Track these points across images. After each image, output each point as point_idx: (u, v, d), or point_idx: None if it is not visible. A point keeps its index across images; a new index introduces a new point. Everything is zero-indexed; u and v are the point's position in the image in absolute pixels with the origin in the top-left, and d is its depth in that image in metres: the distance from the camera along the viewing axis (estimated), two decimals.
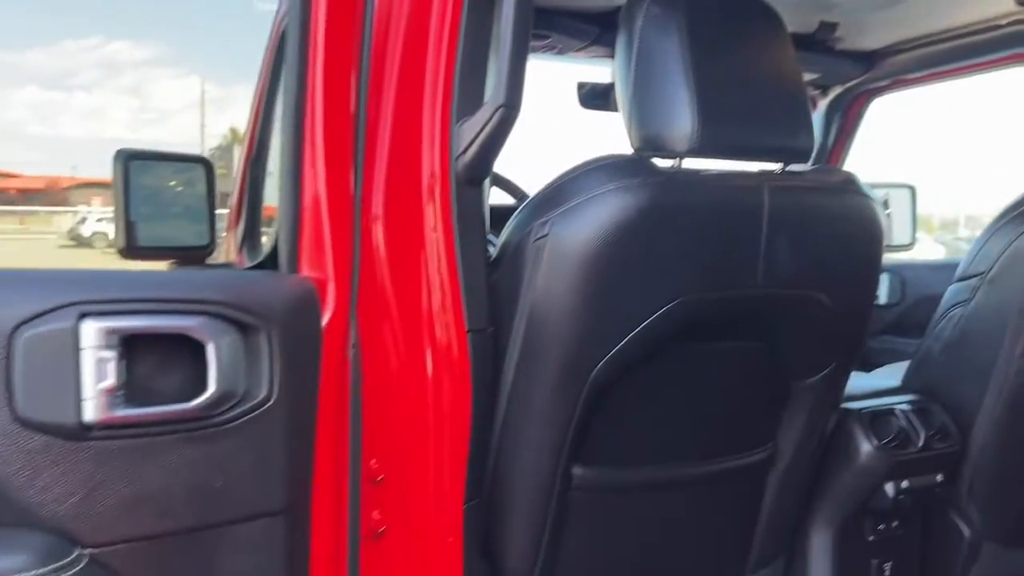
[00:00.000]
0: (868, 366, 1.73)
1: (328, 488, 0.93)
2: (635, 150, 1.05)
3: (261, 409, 0.84)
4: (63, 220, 24.30)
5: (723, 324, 1.10)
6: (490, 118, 0.96)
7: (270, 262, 0.98)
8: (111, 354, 0.76)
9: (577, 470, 1.10)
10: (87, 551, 0.75)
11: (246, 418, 0.83)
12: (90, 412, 0.75)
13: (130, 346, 0.78)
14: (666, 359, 1.07)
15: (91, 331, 0.76)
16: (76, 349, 0.75)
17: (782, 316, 1.13)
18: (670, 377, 1.11)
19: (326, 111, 0.95)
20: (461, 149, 1.00)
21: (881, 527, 1.42)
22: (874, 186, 1.21)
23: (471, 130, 0.99)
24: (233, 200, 1.68)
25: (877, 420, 1.36)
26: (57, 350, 0.74)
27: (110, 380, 0.76)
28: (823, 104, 2.06)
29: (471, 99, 1.01)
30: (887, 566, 1.43)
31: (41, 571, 0.72)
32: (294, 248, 0.94)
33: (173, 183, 1.49)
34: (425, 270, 1.00)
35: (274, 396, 0.84)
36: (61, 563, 0.73)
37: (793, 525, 1.36)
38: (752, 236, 1.04)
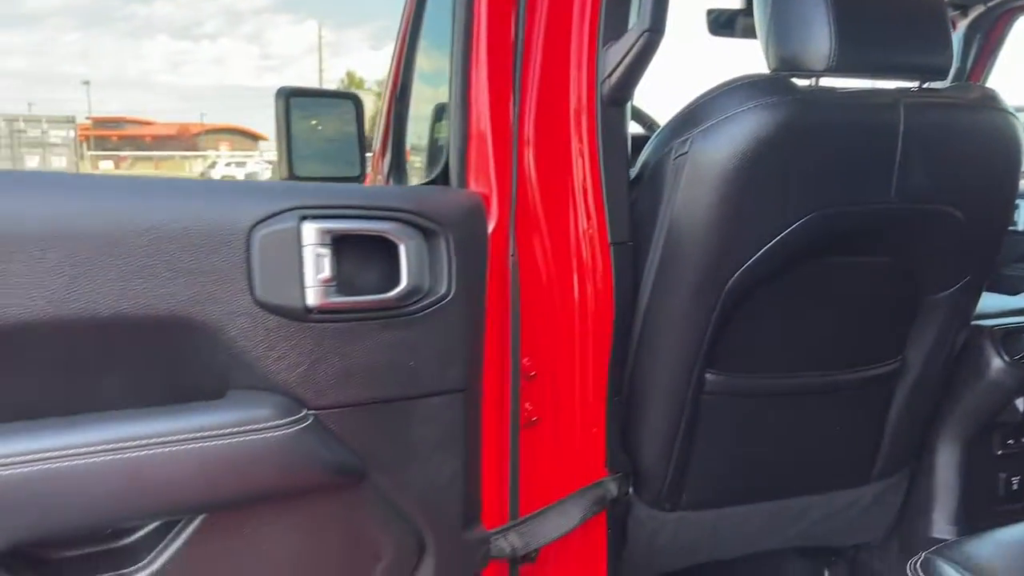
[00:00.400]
0: (1006, 294, 1.71)
1: (494, 377, 1.06)
2: (772, 70, 1.09)
3: (442, 303, 0.96)
4: (194, 164, 25.72)
5: (855, 238, 1.14)
6: (635, 42, 1.03)
7: (441, 179, 1.10)
8: (326, 251, 0.90)
9: (710, 376, 1.18)
10: (311, 412, 0.91)
11: (430, 309, 0.96)
12: (311, 298, 0.89)
13: (338, 244, 0.92)
14: (798, 273, 1.13)
15: (310, 231, 0.89)
16: (299, 245, 0.89)
17: (915, 231, 1.16)
18: (802, 290, 1.16)
19: (489, 45, 1.04)
20: (607, 73, 1.07)
21: (1010, 442, 1.45)
22: (1017, 110, 1.19)
23: (617, 54, 1.06)
24: (379, 136, 1.80)
25: (1009, 337, 1.37)
26: (284, 246, 0.88)
27: (326, 272, 0.90)
28: (963, 25, 1.97)
29: (617, 25, 1.07)
30: (1015, 480, 1.46)
31: (282, 421, 0.88)
32: (463, 166, 1.05)
33: (326, 118, 1.64)
34: (572, 192, 1.09)
35: (452, 292, 0.97)
36: (295, 418, 0.89)
37: (920, 437, 1.40)
38: (887, 152, 1.07)
